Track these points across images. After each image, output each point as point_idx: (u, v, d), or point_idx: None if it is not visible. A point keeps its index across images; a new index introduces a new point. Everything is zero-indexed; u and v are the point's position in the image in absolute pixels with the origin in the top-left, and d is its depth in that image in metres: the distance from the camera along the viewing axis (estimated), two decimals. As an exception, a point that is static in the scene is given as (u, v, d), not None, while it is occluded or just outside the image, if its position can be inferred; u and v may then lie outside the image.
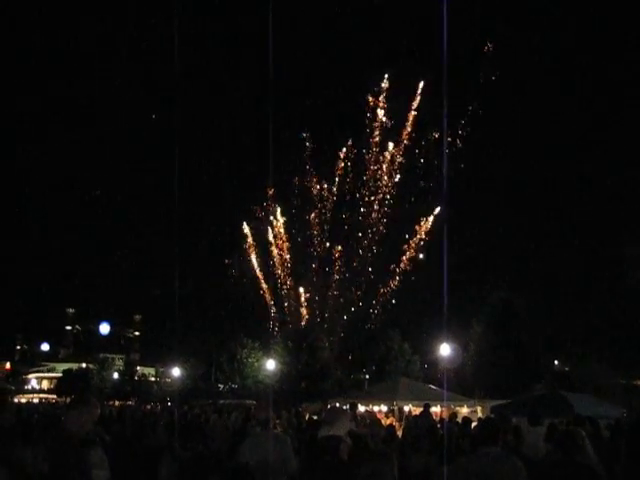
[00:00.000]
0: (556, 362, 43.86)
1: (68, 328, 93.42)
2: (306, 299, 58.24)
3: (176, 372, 52.93)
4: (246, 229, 61.28)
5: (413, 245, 58.53)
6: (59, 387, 61.86)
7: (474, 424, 11.37)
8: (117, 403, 45.28)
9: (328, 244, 61.24)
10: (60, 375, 66.71)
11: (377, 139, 59.80)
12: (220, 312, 59.50)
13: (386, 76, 58.42)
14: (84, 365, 67.03)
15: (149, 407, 35.28)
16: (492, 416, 15.06)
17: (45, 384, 77.31)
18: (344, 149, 61.21)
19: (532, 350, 38.07)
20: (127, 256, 72.13)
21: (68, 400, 31.29)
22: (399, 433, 14.50)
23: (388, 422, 18.02)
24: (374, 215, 61.09)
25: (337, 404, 23.74)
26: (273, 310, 57.90)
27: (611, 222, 46.45)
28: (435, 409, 21.67)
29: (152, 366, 72.36)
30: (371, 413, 21.96)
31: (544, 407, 16.73)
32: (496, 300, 40.54)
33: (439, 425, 14.90)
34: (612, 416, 15.88)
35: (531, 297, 42.01)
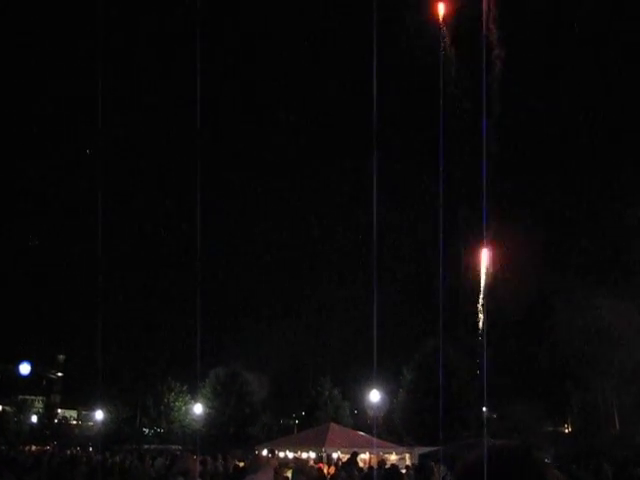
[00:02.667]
0: (484, 409, 44.49)
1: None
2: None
3: (99, 415, 51.05)
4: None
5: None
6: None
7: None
8: (34, 448, 43.14)
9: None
10: (-26, 418, 63.32)
11: None
12: (147, 354, 58.06)
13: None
14: (0, 407, 63.85)
15: (69, 452, 33.77)
16: (397, 464, 15.14)
17: (-43, 427, 73.14)
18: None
19: (461, 398, 38.50)
20: (51, 292, 69.62)
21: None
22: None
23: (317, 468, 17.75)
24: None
25: (265, 450, 23.32)
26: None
27: (542, 273, 47.73)
28: (364, 456, 21.56)
29: (74, 409, 69.65)
30: (300, 460, 21.62)
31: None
32: (427, 348, 41.01)
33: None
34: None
35: (461, 346, 42.67)
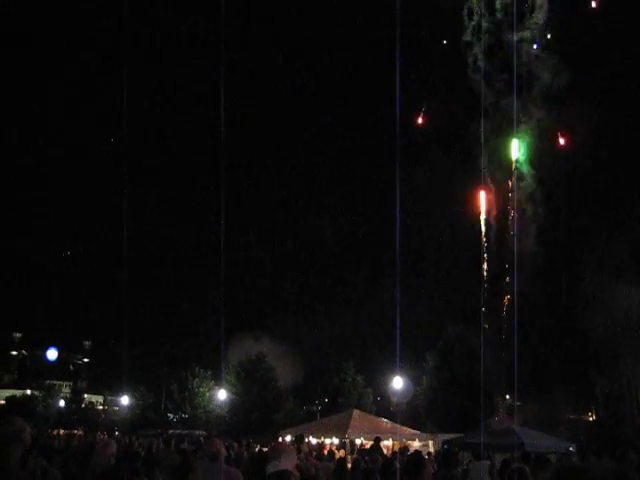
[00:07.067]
0: (508, 397, 44.30)
1: (14, 353, 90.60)
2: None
3: (125, 400, 51.73)
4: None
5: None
6: (1, 414, 59.71)
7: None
8: (62, 432, 43.89)
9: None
10: (3, 402, 64.52)
11: None
12: (172, 340, 58.67)
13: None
14: (29, 392, 65.00)
15: (95, 436, 34.31)
16: (420, 450, 15.22)
17: (-14, 411, 74.40)
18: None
19: (485, 385, 38.37)
20: (77, 280, 70.50)
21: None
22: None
23: (339, 454, 17.84)
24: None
25: (288, 436, 23.49)
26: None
27: (566, 264, 47.07)
28: (387, 442, 21.62)
29: (100, 394, 70.64)
30: (323, 446, 21.76)
31: (496, 442, 16.88)
32: (450, 334, 40.92)
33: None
34: (560, 450, 16.20)
35: (485, 332, 42.44)
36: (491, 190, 47.17)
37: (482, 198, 46.85)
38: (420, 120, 49.15)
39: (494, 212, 47.44)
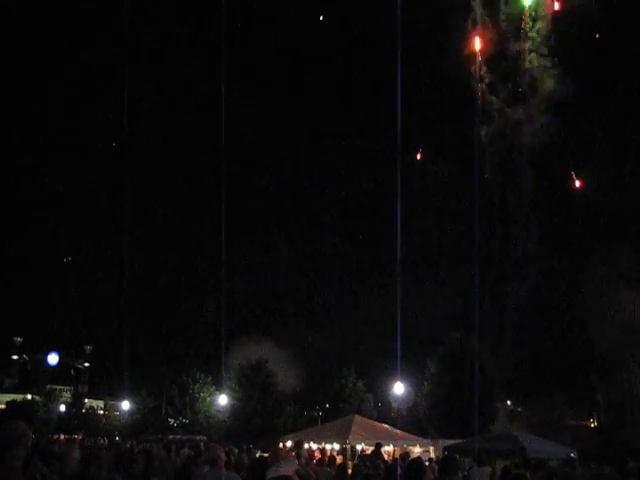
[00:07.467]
0: (509, 402, 44.27)
1: (15, 357, 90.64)
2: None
3: (125, 405, 51.69)
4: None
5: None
6: (1, 418, 59.64)
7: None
8: (63, 437, 43.84)
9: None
10: (3, 407, 64.52)
11: None
12: (173, 345, 58.71)
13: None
14: (29, 396, 64.98)
15: (95, 441, 34.34)
16: (420, 456, 15.23)
17: (-13, 415, 74.26)
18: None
19: (486, 390, 38.34)
20: (78, 285, 70.49)
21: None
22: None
23: (339, 460, 17.80)
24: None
25: (289, 441, 23.42)
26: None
27: (568, 271, 46.99)
28: (388, 448, 21.57)
29: (101, 399, 70.66)
30: (323, 452, 21.67)
31: (497, 448, 16.87)
32: (451, 341, 40.86)
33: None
34: (560, 456, 16.20)
35: (486, 338, 42.44)
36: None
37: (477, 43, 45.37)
38: (419, 156, 49.49)
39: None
